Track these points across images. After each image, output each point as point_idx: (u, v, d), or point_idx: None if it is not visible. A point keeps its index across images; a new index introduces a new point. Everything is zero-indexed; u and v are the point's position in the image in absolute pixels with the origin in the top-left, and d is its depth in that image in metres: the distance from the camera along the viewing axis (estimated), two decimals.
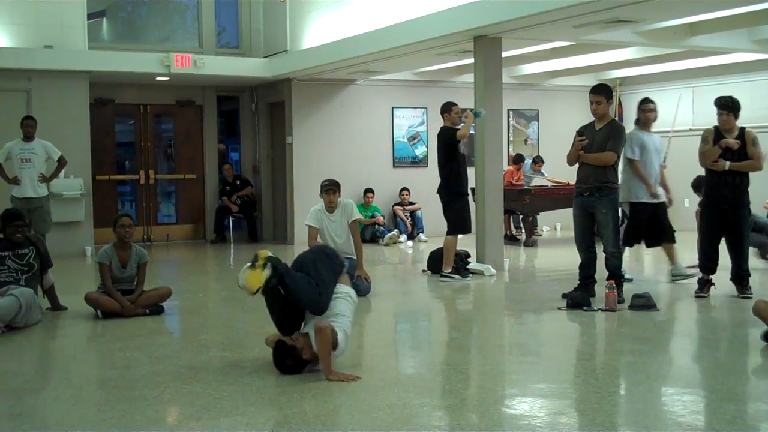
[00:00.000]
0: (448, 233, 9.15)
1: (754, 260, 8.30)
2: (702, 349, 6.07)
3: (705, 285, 7.69)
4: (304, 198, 12.82)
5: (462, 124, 8.95)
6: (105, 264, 7.21)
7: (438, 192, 9.31)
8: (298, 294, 5.09)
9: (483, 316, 7.51)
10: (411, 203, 14.20)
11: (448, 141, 9.01)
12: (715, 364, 5.62)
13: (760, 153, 7.54)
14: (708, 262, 7.68)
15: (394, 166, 14.52)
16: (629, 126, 8.87)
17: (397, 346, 5.40)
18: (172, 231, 14.60)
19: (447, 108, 9.14)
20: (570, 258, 8.59)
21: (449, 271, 9.06)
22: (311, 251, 5.54)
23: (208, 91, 14.66)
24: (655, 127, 8.62)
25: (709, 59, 13.06)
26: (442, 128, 9.18)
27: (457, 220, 9.10)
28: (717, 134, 7.56)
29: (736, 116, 7.56)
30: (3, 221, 7.17)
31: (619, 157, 7.54)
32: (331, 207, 8.24)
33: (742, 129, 7.60)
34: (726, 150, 7.47)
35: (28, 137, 10.09)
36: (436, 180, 13.95)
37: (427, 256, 10.03)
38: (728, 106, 7.53)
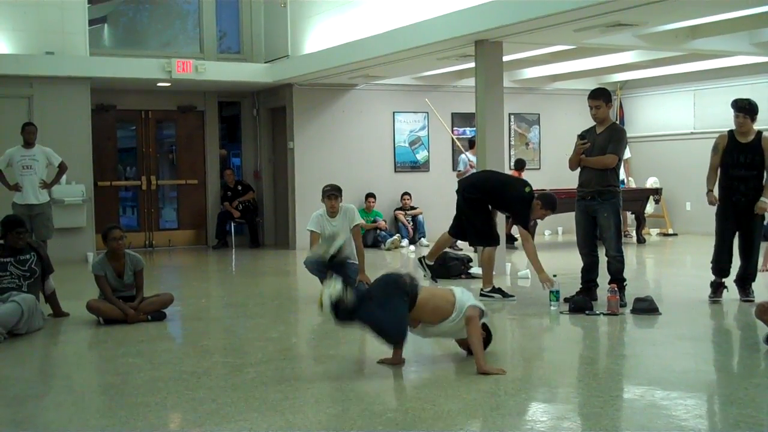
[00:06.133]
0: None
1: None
2: (705, 352, 6.06)
3: (718, 288, 7.66)
4: (306, 203, 12.83)
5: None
6: (101, 275, 7.20)
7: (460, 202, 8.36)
8: (377, 325, 5.21)
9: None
10: (412, 208, 14.20)
11: (527, 205, 7.90)
12: (718, 367, 5.62)
13: None
14: (718, 265, 7.64)
15: (395, 171, 14.52)
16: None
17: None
18: (174, 237, 14.60)
19: (546, 202, 7.98)
20: (572, 262, 8.59)
21: (489, 289, 8.16)
22: (379, 287, 5.39)
23: (210, 96, 14.67)
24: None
25: (710, 62, 13.06)
26: (534, 195, 7.98)
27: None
28: (731, 139, 7.54)
29: (753, 119, 7.54)
30: (4, 228, 7.18)
31: (620, 160, 7.53)
32: (332, 212, 8.24)
33: (759, 133, 7.57)
34: (739, 153, 7.44)
35: (28, 144, 10.10)
36: (437, 184, 14.07)
37: None
38: (746, 108, 7.51)
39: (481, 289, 8.15)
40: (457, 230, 8.41)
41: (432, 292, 5.49)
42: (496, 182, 8.26)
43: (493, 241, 8.23)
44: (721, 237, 7.64)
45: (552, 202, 7.97)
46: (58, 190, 11.44)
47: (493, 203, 8.17)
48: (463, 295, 5.43)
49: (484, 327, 5.47)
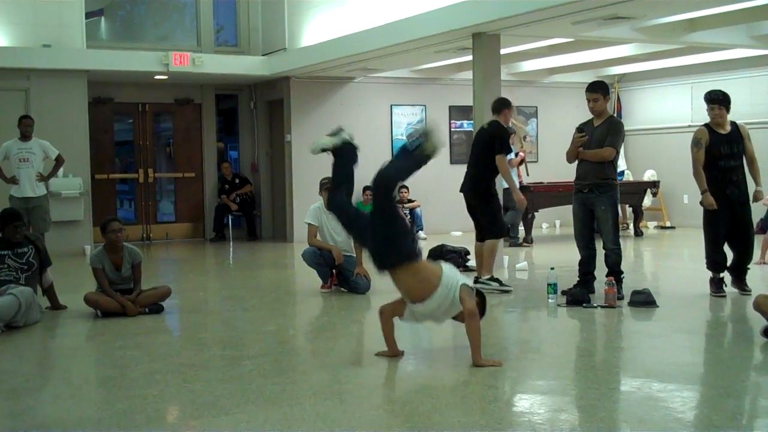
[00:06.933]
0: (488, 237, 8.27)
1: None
2: (702, 344, 6.08)
3: (720, 283, 7.59)
4: (304, 196, 12.82)
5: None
6: (99, 268, 7.18)
7: (470, 194, 8.28)
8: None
9: None
10: (410, 201, 14.19)
11: (494, 136, 8.04)
12: (714, 359, 5.63)
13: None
14: (714, 259, 7.57)
15: None
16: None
17: (397, 343, 5.40)
18: (172, 229, 14.60)
19: (506, 104, 8.30)
20: (569, 254, 8.59)
21: (487, 277, 8.19)
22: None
23: (207, 89, 14.65)
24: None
25: (708, 55, 13.07)
26: (493, 122, 8.19)
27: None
28: (711, 132, 7.51)
29: (728, 110, 7.54)
30: (2, 221, 7.16)
31: (618, 153, 7.52)
32: None
33: (734, 123, 7.58)
34: (723, 145, 7.44)
35: (25, 136, 10.08)
36: (434, 178, 14.04)
37: (426, 253, 10.01)
38: (720, 99, 7.49)
39: (477, 278, 8.17)
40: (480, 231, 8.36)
41: (425, 263, 5.37)
42: (477, 150, 8.26)
43: (503, 231, 8.37)
44: (715, 231, 7.54)
45: (505, 100, 8.38)
46: (56, 183, 11.42)
47: (491, 166, 8.06)
48: (451, 271, 5.28)
49: (481, 298, 5.34)
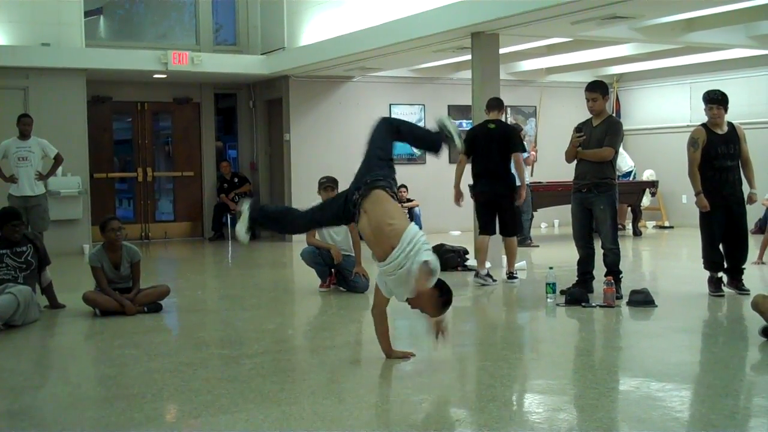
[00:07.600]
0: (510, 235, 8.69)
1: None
2: (700, 344, 6.09)
3: (718, 283, 7.60)
4: (302, 195, 12.80)
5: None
6: (97, 267, 7.18)
7: (501, 192, 8.55)
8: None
9: (481, 313, 7.52)
10: (409, 200, 14.18)
11: (513, 135, 8.64)
12: (713, 359, 5.63)
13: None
14: (712, 259, 7.59)
15: None
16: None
17: (396, 342, 5.41)
18: (170, 228, 14.60)
19: (501, 104, 8.85)
20: (568, 254, 8.60)
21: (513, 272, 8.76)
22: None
23: (206, 88, 14.65)
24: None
25: (707, 55, 13.06)
26: (501, 122, 8.76)
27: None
28: (709, 132, 7.51)
29: (726, 110, 7.54)
30: (1, 220, 7.16)
31: (617, 152, 7.52)
32: None
33: (731, 124, 7.59)
34: (720, 145, 7.45)
35: (24, 135, 10.06)
36: (434, 177, 14.07)
37: None
38: (718, 99, 7.49)
39: (477, 272, 8.54)
40: (490, 225, 8.59)
41: (397, 204, 5.25)
42: (495, 149, 8.47)
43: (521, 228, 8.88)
44: (711, 231, 7.54)
45: (500, 98, 8.96)
46: (54, 181, 11.41)
47: (509, 164, 8.55)
48: (415, 237, 4.88)
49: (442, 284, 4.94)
